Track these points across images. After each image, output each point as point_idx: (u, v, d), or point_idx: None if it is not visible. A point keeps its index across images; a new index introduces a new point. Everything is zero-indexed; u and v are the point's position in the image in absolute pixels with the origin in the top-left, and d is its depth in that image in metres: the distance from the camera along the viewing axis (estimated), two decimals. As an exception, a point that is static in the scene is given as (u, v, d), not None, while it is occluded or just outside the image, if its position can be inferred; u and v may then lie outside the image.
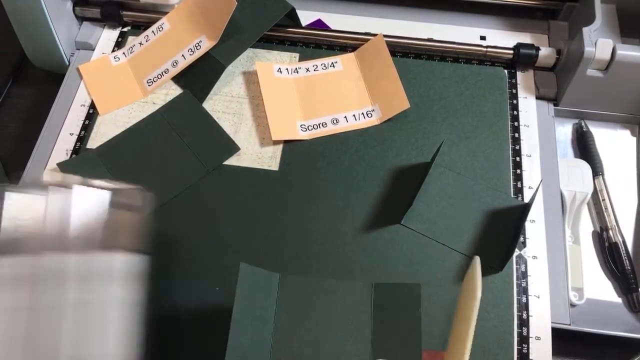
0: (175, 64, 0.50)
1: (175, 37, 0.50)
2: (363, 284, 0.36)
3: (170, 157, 0.46)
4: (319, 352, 0.34)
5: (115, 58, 0.52)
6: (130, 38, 0.53)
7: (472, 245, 0.42)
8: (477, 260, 0.28)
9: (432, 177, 0.44)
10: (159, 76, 0.50)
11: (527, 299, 0.41)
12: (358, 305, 0.35)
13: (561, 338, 0.40)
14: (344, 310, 0.35)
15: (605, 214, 0.46)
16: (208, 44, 0.49)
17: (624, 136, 0.51)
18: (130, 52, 0.52)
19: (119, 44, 0.53)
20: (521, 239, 0.43)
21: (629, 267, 0.44)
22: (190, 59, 0.49)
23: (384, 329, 0.35)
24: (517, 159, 0.46)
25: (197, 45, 0.49)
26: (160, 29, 0.51)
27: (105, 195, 0.35)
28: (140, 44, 0.52)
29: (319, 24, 0.55)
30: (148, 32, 0.52)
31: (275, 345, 0.34)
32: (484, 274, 0.39)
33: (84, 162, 0.45)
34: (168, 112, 0.48)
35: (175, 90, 0.50)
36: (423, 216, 0.43)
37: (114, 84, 0.50)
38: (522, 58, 0.50)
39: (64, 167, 0.45)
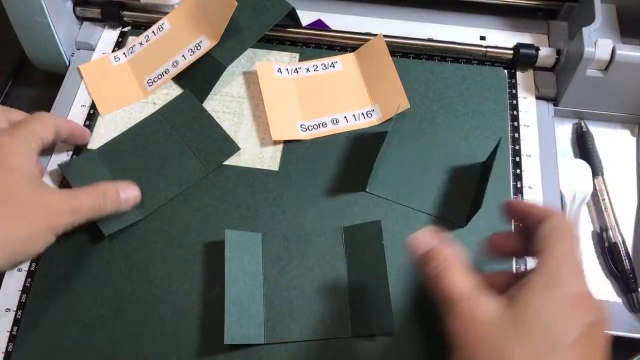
0: (175, 64, 0.50)
1: (176, 37, 0.50)
2: (334, 229, 0.42)
3: (170, 157, 0.46)
4: (304, 292, 0.40)
5: (115, 58, 0.52)
6: (130, 38, 0.53)
7: (436, 205, 0.44)
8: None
9: (392, 145, 0.46)
10: (159, 76, 0.50)
11: (527, 299, 0.40)
12: (331, 246, 0.42)
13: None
14: (320, 253, 0.41)
15: (605, 214, 0.46)
16: (208, 44, 0.49)
17: (624, 136, 0.51)
18: (131, 52, 0.52)
19: (119, 44, 0.53)
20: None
21: (628, 267, 0.44)
22: (191, 59, 0.49)
23: (355, 262, 0.41)
24: (517, 159, 0.46)
25: (197, 45, 0.49)
26: (161, 29, 0.51)
27: None
28: (141, 44, 0.52)
29: (319, 24, 0.56)
30: (148, 32, 0.52)
31: (266, 293, 0.40)
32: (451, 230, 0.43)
33: (85, 163, 0.45)
34: (169, 112, 0.48)
35: (175, 91, 0.50)
36: (387, 182, 0.45)
37: (114, 84, 0.50)
38: (522, 58, 0.50)
39: (65, 167, 0.45)
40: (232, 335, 0.37)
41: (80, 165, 0.45)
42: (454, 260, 0.32)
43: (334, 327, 0.39)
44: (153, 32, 0.52)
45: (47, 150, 0.46)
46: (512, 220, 0.40)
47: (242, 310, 0.38)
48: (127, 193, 0.42)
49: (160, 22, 0.52)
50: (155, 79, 0.50)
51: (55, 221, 0.36)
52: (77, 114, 0.49)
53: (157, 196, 0.44)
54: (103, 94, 0.50)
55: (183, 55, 0.49)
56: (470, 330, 0.29)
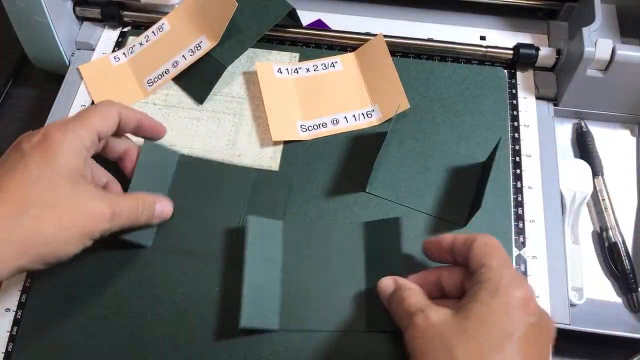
0: (175, 64, 0.50)
1: (176, 38, 0.50)
2: (355, 223, 0.42)
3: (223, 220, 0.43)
4: (321, 283, 0.40)
5: (115, 58, 0.52)
6: (130, 38, 0.53)
7: (436, 205, 0.44)
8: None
9: (391, 145, 0.46)
10: (160, 76, 0.50)
11: (527, 299, 0.41)
12: (351, 240, 0.42)
13: (561, 338, 0.40)
14: (340, 247, 0.42)
15: (605, 214, 0.46)
16: (208, 45, 0.49)
17: (624, 136, 0.51)
18: (131, 53, 0.52)
19: (119, 44, 0.53)
20: (520, 238, 0.43)
21: (628, 267, 0.44)
22: (191, 59, 0.49)
23: (374, 257, 0.41)
24: (517, 159, 0.46)
25: (197, 45, 0.49)
26: (161, 29, 0.51)
27: None
28: (141, 44, 0.52)
29: (319, 24, 0.56)
30: (148, 32, 0.52)
31: (284, 280, 0.40)
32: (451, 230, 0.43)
33: (164, 158, 0.44)
34: (257, 191, 0.44)
35: (175, 91, 0.50)
36: (387, 183, 0.45)
37: (114, 84, 0.50)
38: (522, 58, 0.50)
39: (146, 147, 0.42)
40: (247, 319, 0.37)
41: (159, 156, 0.43)
42: (413, 289, 0.36)
43: (349, 320, 0.39)
44: (153, 32, 0.52)
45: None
46: (440, 260, 0.38)
47: (259, 295, 0.39)
48: (163, 207, 0.41)
49: (160, 22, 0.52)
50: (156, 79, 0.50)
51: (92, 226, 0.35)
52: (83, 100, 0.50)
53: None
54: (103, 94, 0.50)
55: (183, 56, 0.49)
56: (425, 334, 0.32)
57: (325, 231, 0.42)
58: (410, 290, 0.36)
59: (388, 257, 0.40)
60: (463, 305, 0.32)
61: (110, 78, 0.51)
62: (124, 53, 0.52)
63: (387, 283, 0.37)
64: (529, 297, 0.31)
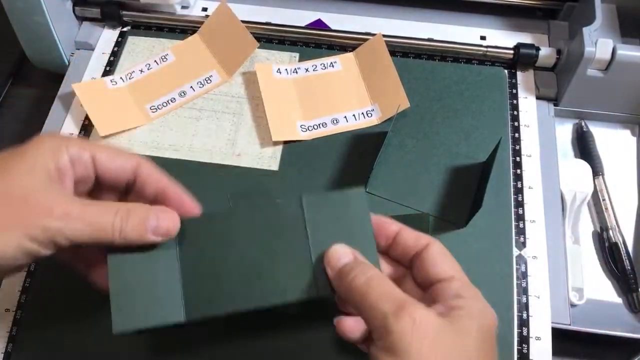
0: (183, 94, 0.50)
1: (182, 69, 0.51)
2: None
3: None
4: (244, 262, 0.32)
5: (112, 82, 0.50)
6: (127, 64, 0.52)
7: (436, 205, 0.44)
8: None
9: (391, 145, 0.46)
10: (165, 104, 0.49)
11: (527, 299, 0.41)
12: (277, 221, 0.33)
13: (561, 338, 0.40)
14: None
15: (605, 214, 0.46)
16: (220, 79, 0.50)
17: (624, 136, 0.51)
18: (129, 78, 0.51)
19: (119, 44, 0.53)
20: (521, 239, 0.43)
21: (629, 267, 0.44)
22: (200, 91, 0.50)
23: (322, 234, 0.32)
24: (517, 159, 0.46)
25: (207, 79, 0.50)
26: (164, 60, 0.52)
27: None
28: (141, 71, 0.51)
29: (319, 24, 0.55)
30: (150, 60, 0.52)
31: (185, 268, 0.32)
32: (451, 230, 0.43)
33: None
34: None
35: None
36: (387, 182, 0.45)
37: (113, 107, 0.49)
38: (522, 58, 0.50)
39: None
40: (120, 323, 0.31)
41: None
42: (378, 270, 0.29)
43: (298, 289, 0.32)
44: (155, 61, 0.52)
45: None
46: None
47: (136, 293, 0.31)
48: (160, 221, 0.30)
49: (164, 53, 0.52)
50: (160, 107, 0.49)
51: (30, 220, 0.26)
52: (77, 114, 0.49)
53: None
54: (101, 114, 0.48)
55: (192, 87, 0.50)
56: (426, 335, 0.26)
57: (228, 220, 0.34)
58: (377, 271, 0.29)
59: (349, 234, 0.32)
60: (452, 311, 0.28)
61: (106, 100, 0.49)
62: (121, 78, 0.51)
63: (343, 251, 0.30)
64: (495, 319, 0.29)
